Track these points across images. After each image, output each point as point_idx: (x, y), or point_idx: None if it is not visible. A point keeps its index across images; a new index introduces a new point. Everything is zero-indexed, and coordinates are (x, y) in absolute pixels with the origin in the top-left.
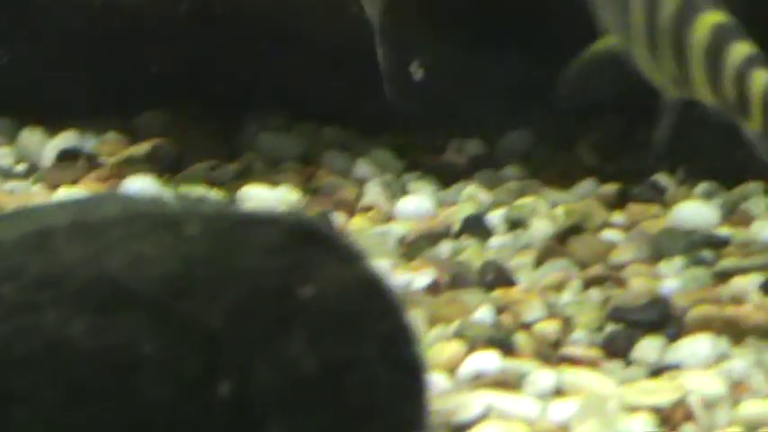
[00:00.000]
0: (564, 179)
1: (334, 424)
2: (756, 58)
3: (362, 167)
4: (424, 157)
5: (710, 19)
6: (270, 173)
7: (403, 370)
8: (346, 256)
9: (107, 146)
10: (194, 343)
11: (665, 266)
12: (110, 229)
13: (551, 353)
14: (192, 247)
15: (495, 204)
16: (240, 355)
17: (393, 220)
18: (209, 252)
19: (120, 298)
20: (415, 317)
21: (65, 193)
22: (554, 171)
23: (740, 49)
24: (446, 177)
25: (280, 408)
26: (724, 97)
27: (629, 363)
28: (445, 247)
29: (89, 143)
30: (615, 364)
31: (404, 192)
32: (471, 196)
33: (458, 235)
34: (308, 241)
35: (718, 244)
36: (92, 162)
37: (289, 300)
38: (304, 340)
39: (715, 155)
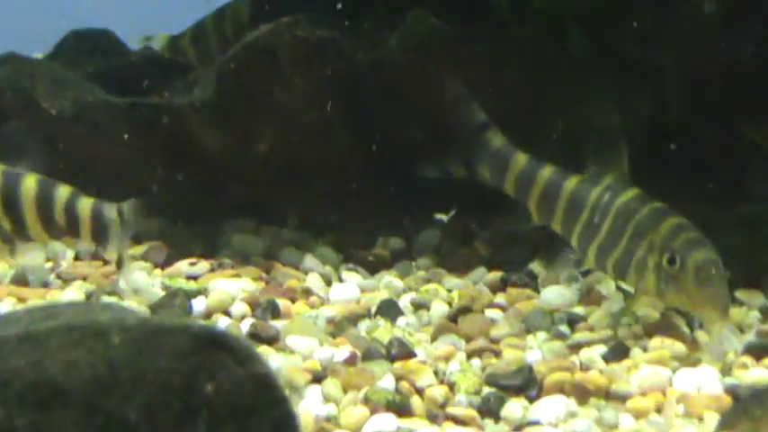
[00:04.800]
0: (463, 268)
1: None
2: None
3: (309, 261)
4: (357, 251)
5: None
6: (237, 267)
7: None
8: (243, 358)
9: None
10: None
11: (531, 339)
12: (51, 338)
13: (439, 413)
14: (116, 353)
15: (406, 290)
16: None
17: (327, 303)
18: (129, 356)
19: (57, 396)
20: (335, 384)
21: (77, 286)
22: (456, 261)
23: None
24: (372, 268)
25: None
26: None
27: (498, 420)
28: (363, 326)
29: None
30: (488, 422)
31: (339, 280)
32: (388, 283)
33: (374, 316)
34: (212, 345)
35: (575, 320)
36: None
37: (194, 395)
38: (207, 428)
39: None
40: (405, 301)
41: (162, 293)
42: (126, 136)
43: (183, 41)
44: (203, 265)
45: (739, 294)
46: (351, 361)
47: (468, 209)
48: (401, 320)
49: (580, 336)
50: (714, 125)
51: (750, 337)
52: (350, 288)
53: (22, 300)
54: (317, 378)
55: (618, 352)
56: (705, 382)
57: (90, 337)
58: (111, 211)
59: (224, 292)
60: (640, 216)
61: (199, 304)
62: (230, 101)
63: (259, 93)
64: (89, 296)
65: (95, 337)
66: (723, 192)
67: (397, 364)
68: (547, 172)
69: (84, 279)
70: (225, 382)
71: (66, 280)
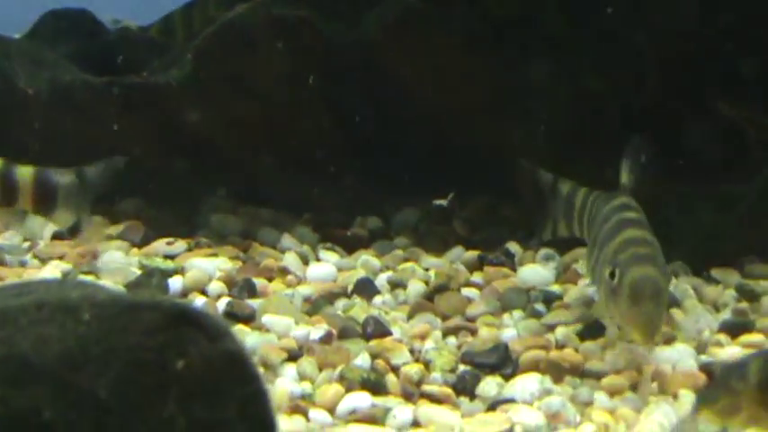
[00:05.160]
0: (441, 247)
1: None
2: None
3: (287, 240)
4: (335, 231)
5: None
6: (214, 246)
7: (259, 427)
8: (214, 334)
9: (92, 227)
10: (86, 409)
11: (507, 318)
12: (22, 315)
13: (414, 391)
14: (87, 329)
15: (384, 269)
16: (124, 419)
17: (303, 282)
18: (100, 333)
19: (27, 372)
20: (310, 362)
21: (54, 265)
22: (434, 240)
23: None
24: (350, 247)
25: None
26: None
27: (473, 398)
28: (340, 305)
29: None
30: (463, 400)
31: (317, 259)
32: (365, 262)
33: (350, 294)
34: (183, 322)
35: (551, 299)
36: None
37: (165, 371)
38: (177, 404)
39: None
40: (381, 280)
41: (139, 273)
42: (103, 115)
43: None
44: (180, 245)
45: (715, 273)
46: (326, 339)
47: (447, 188)
48: (377, 299)
49: (556, 314)
50: (692, 103)
51: (725, 315)
52: (327, 267)
53: None
54: (293, 356)
55: (593, 330)
56: (680, 360)
57: (61, 314)
58: (62, 177)
59: (201, 272)
60: (609, 225)
61: (175, 283)
62: (207, 80)
63: (236, 72)
64: (66, 275)
65: (66, 314)
66: (701, 170)
67: (373, 343)
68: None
69: (61, 258)
70: (195, 359)
71: (42, 259)
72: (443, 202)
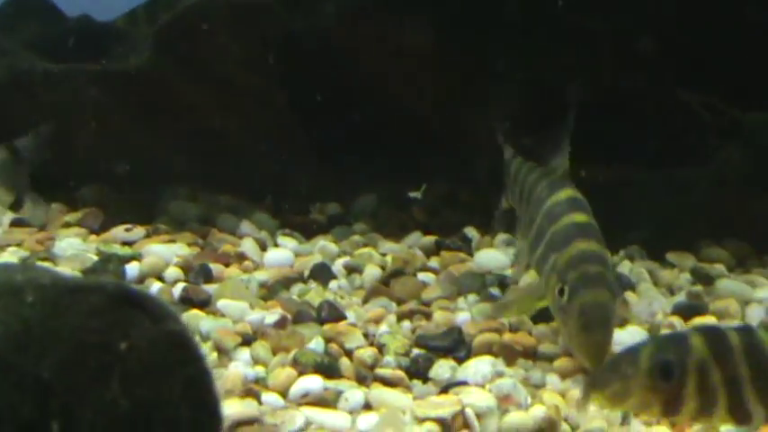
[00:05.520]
0: (399, 232)
1: None
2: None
3: (245, 227)
4: (294, 217)
5: None
6: (173, 233)
7: (201, 408)
8: (158, 316)
9: (51, 214)
10: (30, 390)
11: (462, 302)
12: None
13: (367, 374)
14: (31, 311)
15: (341, 254)
16: (67, 400)
17: (260, 268)
18: (44, 315)
19: None
20: (264, 346)
21: (11, 252)
22: (393, 226)
23: None
24: (309, 233)
25: None
26: None
27: (426, 381)
28: (296, 290)
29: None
30: (416, 383)
31: (275, 245)
32: (323, 248)
33: (306, 280)
34: (126, 304)
35: (507, 283)
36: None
37: (108, 353)
38: (120, 386)
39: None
40: (338, 265)
41: (96, 259)
42: (62, 103)
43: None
44: (139, 231)
45: (671, 257)
46: (281, 324)
47: (405, 175)
48: (333, 284)
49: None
50: (649, 88)
51: (680, 298)
52: (284, 253)
53: None
54: (247, 341)
55: (546, 313)
56: (632, 342)
57: (4, 296)
58: None
59: (158, 257)
60: (556, 227)
61: (132, 269)
62: (166, 67)
63: (194, 59)
64: (24, 261)
65: (10, 296)
66: (658, 155)
67: (327, 327)
68: (516, 162)
69: (19, 245)
70: (139, 340)
71: (0, 246)
72: (418, 195)
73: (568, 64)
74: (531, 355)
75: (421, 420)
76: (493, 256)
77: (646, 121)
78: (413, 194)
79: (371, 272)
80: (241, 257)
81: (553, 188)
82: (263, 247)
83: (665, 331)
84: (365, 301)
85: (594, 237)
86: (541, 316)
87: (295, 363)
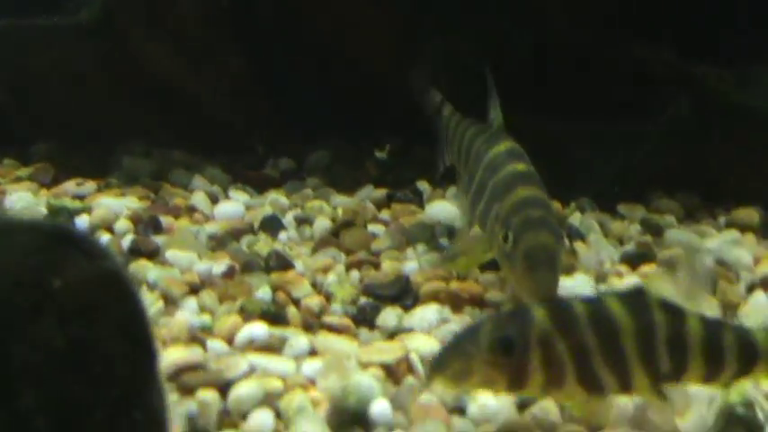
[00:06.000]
0: (353, 187)
1: (80, 391)
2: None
3: (198, 181)
4: (247, 172)
5: None
6: (124, 187)
7: (136, 344)
8: (93, 255)
9: (3, 169)
10: None
11: (411, 252)
12: None
13: (314, 322)
14: None
15: (292, 207)
16: (3, 337)
17: (211, 220)
18: None
19: None
20: (210, 295)
21: None
22: (347, 181)
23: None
24: (261, 187)
25: (34, 379)
26: None
27: (373, 328)
28: (245, 241)
29: None
30: (363, 330)
31: (227, 199)
32: (274, 201)
33: (256, 231)
34: (61, 242)
35: (456, 233)
36: None
37: (42, 291)
38: (55, 323)
39: None
40: (289, 218)
41: (45, 212)
42: (15, 59)
43: None
44: (90, 186)
45: (622, 208)
46: (229, 274)
47: (359, 131)
48: (283, 235)
49: (458, 247)
50: (602, 44)
51: (629, 248)
52: (235, 205)
53: None
54: (194, 290)
55: (494, 262)
56: (579, 289)
57: None
58: None
59: (108, 210)
60: (497, 178)
61: (83, 222)
62: (116, 21)
63: (145, 13)
64: None
65: None
66: (611, 109)
67: (275, 276)
68: (455, 119)
69: None
70: (73, 278)
71: None
72: (383, 155)
73: (521, 18)
74: (478, 302)
75: (366, 365)
76: (443, 208)
77: (600, 75)
78: (379, 155)
79: (321, 223)
80: (191, 210)
81: (491, 141)
82: (215, 201)
83: (612, 279)
84: (314, 251)
85: (536, 183)
86: (489, 265)
87: (241, 311)
